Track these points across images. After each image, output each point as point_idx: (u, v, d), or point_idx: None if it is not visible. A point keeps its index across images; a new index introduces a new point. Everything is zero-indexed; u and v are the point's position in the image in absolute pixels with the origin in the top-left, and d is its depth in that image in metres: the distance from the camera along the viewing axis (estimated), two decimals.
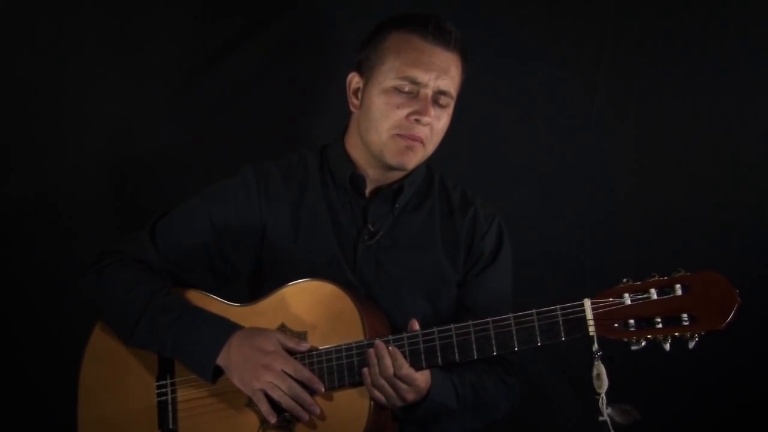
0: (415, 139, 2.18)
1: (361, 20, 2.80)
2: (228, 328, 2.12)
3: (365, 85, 2.23)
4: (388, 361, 2.01)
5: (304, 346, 2.09)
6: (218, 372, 2.11)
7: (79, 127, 2.93)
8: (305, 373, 2.05)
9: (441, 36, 2.18)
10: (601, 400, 1.92)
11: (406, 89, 2.16)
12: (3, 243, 2.94)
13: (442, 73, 2.17)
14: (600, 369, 1.92)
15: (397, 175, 2.27)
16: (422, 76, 2.16)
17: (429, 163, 2.35)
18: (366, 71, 2.23)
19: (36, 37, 2.89)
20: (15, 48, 2.89)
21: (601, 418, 1.91)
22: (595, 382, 1.92)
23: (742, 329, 2.54)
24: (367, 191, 2.28)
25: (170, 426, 2.18)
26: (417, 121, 2.16)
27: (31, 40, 2.89)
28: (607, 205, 2.87)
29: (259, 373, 2.05)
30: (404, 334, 2.05)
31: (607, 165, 2.86)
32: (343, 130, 2.33)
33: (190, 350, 2.13)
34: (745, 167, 2.82)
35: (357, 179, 2.26)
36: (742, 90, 2.81)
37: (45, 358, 2.90)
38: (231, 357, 2.08)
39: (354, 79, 2.26)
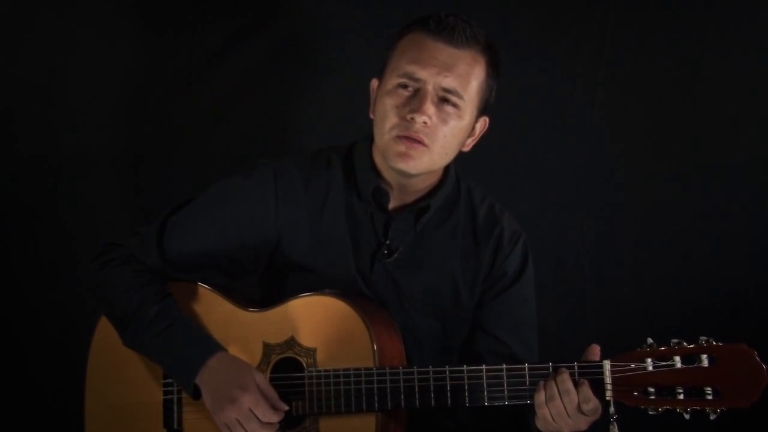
0: (412, 139, 2.05)
1: (364, 20, 2.83)
2: (207, 348, 2.07)
3: (378, 88, 2.13)
4: (573, 397, 1.89)
5: (281, 406, 2.02)
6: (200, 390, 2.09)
7: (79, 125, 2.93)
8: (273, 418, 2.01)
9: (443, 30, 2.05)
10: None
11: (408, 88, 2.06)
12: (3, 242, 2.94)
13: (445, 69, 2.04)
14: None
15: (418, 188, 2.17)
16: (420, 72, 2.04)
17: (458, 171, 2.27)
18: (382, 76, 2.13)
19: (36, 34, 2.88)
20: (15, 45, 2.88)
21: None
22: None
23: (742, 332, 2.56)
24: (391, 206, 2.18)
25: (175, 426, 2.16)
26: (412, 119, 2.04)
27: (31, 38, 2.88)
28: (606, 206, 2.87)
29: (225, 405, 2.00)
30: (414, 368, 2.01)
31: (607, 166, 2.86)
32: (372, 132, 2.18)
33: (173, 366, 2.10)
34: (746, 167, 2.82)
35: (380, 193, 2.16)
36: (743, 90, 2.80)
37: (46, 353, 2.91)
38: (205, 380, 2.04)
39: (374, 86, 2.16)
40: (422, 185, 2.18)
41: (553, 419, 1.92)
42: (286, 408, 2.03)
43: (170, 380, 2.16)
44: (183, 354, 2.07)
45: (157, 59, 2.91)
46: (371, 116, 2.15)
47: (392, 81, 2.07)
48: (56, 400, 2.77)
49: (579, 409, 1.89)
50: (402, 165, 2.08)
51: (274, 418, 2.01)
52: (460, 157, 2.83)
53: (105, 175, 2.94)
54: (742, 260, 2.80)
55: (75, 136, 2.92)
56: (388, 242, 2.17)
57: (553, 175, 2.88)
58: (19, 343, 2.94)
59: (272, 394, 2.03)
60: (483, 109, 2.15)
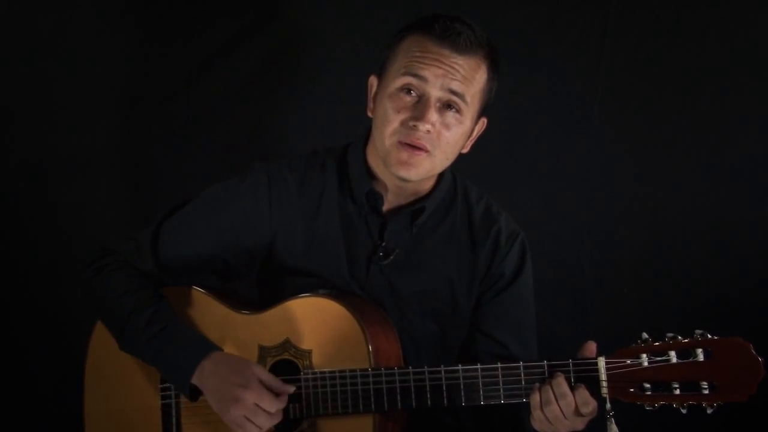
0: (415, 147, 2.02)
1: (364, 21, 2.83)
2: (201, 349, 2.06)
3: (378, 88, 2.10)
4: (570, 400, 1.88)
5: (286, 389, 2.01)
6: (198, 391, 2.07)
7: (79, 125, 2.93)
8: (279, 405, 1.99)
9: (448, 36, 2.01)
10: None
11: (411, 93, 2.02)
12: (3, 242, 2.94)
13: (450, 73, 2.01)
14: (613, 430, 1.87)
15: (414, 190, 2.15)
16: (424, 71, 2.00)
17: (453, 171, 2.25)
18: (382, 74, 2.10)
19: (37, 35, 2.89)
20: (15, 46, 2.89)
21: None
22: None
23: (742, 331, 2.56)
24: (385, 208, 2.16)
25: (174, 431, 2.16)
26: (414, 127, 2.01)
27: (32, 39, 2.89)
28: (607, 206, 2.87)
29: (230, 405, 1.99)
30: (410, 369, 2.00)
31: (607, 166, 2.86)
32: (367, 133, 2.17)
33: (168, 368, 2.09)
34: (746, 168, 2.81)
35: (374, 197, 2.15)
36: (743, 90, 2.80)
37: (47, 354, 2.91)
38: (205, 381, 2.03)
39: (373, 83, 2.13)
40: (418, 187, 2.16)
41: (549, 421, 1.91)
42: (292, 389, 2.02)
43: (168, 385, 2.16)
44: (177, 356, 2.06)
45: (156, 61, 2.91)
46: (369, 114, 2.13)
47: (395, 82, 2.04)
48: (56, 401, 2.77)
49: (577, 411, 1.88)
50: (403, 173, 2.06)
51: (280, 405, 1.99)
52: (459, 158, 2.85)
53: (104, 175, 2.95)
54: (742, 260, 2.79)
55: (75, 136, 2.92)
56: (383, 244, 2.16)
57: (553, 176, 2.87)
58: (19, 343, 2.94)
59: (274, 381, 2.01)
60: (482, 111, 2.14)
